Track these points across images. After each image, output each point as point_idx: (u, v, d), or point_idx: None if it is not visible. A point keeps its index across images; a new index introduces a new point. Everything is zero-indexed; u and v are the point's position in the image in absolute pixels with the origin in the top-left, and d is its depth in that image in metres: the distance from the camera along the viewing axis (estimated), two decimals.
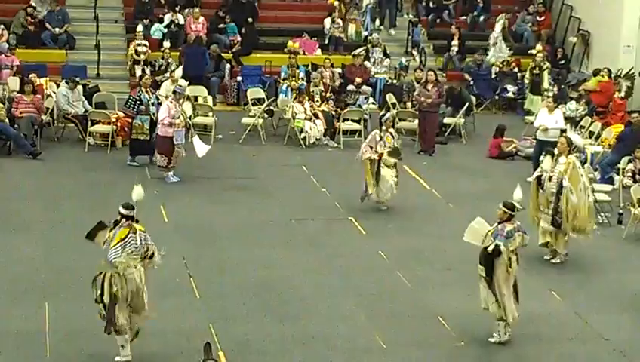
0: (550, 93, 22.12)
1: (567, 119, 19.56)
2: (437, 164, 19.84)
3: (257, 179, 18.20)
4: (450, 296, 13.00)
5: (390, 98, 22.32)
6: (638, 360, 11.75)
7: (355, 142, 19.91)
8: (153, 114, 18.14)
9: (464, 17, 27.16)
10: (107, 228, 10.81)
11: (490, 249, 11.48)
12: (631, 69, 23.50)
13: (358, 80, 23.35)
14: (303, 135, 20.56)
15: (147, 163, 18.41)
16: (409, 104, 21.87)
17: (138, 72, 22.38)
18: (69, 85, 20.24)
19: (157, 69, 22.90)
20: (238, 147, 20.27)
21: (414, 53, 25.34)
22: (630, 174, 17.68)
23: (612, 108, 22.53)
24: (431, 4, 27.09)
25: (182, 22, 24.69)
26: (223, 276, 13.52)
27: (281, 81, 22.30)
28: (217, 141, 20.10)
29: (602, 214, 16.32)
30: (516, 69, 24.85)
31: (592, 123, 20.96)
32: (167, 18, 24.81)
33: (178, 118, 17.44)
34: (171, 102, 17.55)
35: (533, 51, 24.26)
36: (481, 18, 26.81)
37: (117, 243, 10.61)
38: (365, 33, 25.86)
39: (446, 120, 21.63)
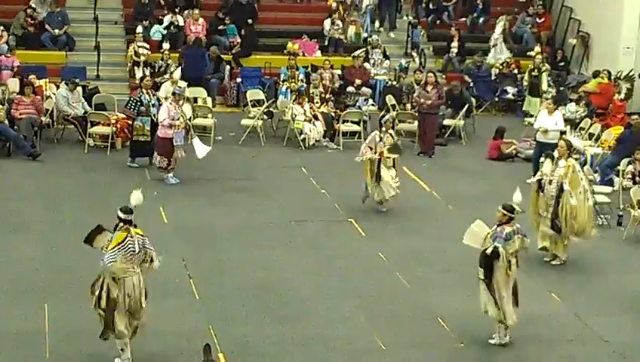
0: (549, 95, 22.13)
1: (566, 121, 19.58)
2: (436, 165, 19.82)
3: (257, 181, 18.20)
4: (450, 298, 13.00)
5: (390, 99, 22.32)
6: (638, 361, 11.76)
7: (355, 143, 19.88)
8: (154, 115, 18.11)
9: (464, 19, 27.14)
10: (106, 232, 10.75)
11: (488, 251, 11.47)
12: (631, 71, 23.47)
13: (358, 81, 23.31)
14: (302, 136, 20.55)
15: (147, 164, 18.40)
16: (409, 106, 21.88)
17: (138, 74, 22.31)
18: (68, 86, 20.21)
19: (156, 70, 22.89)
20: (237, 148, 20.26)
21: (414, 54, 25.31)
22: (630, 176, 17.72)
23: (612, 110, 22.50)
24: (431, 6, 27.04)
25: (181, 23, 24.67)
26: (223, 277, 13.52)
27: (280, 83, 22.30)
28: (217, 142, 20.08)
29: (602, 216, 16.29)
30: (516, 71, 24.84)
31: (591, 125, 20.93)
32: (166, 19, 24.78)
33: (178, 119, 17.42)
34: (171, 103, 17.53)
35: (533, 53, 24.28)
36: (481, 20, 26.79)
37: (114, 247, 10.53)
38: (365, 35, 25.83)
39: (446, 121, 21.60)
